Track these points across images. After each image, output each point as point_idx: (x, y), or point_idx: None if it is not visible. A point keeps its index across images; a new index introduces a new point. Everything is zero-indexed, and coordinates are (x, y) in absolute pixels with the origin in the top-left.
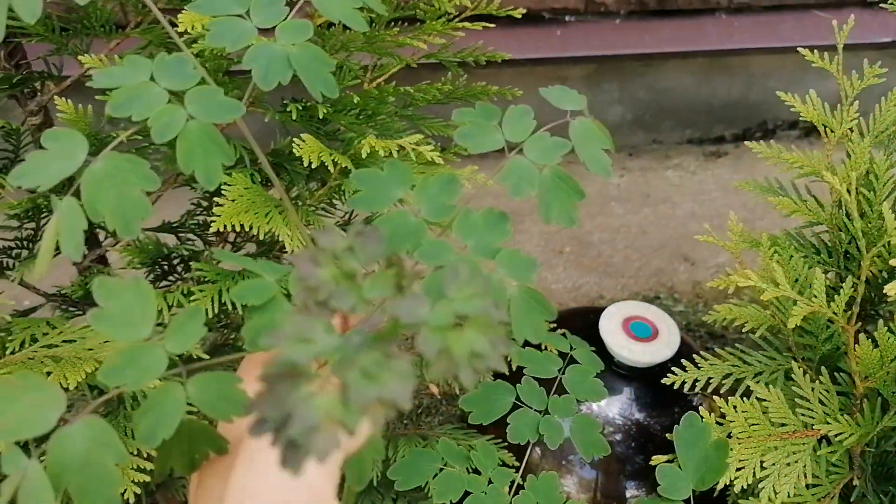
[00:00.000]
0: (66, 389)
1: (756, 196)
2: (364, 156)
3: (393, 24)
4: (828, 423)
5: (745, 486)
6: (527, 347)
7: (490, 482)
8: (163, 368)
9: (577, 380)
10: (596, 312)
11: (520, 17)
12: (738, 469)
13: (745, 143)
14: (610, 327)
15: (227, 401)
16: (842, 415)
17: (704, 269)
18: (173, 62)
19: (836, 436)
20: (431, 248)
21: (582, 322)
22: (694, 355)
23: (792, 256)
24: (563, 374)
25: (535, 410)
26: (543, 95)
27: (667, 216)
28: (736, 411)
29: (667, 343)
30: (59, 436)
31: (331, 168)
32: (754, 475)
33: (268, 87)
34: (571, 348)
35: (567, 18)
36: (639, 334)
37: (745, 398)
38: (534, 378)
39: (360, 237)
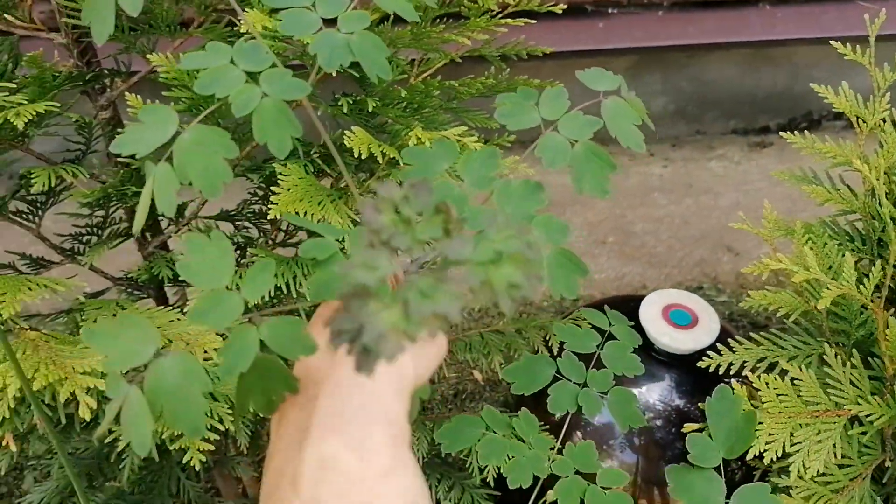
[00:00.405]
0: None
1: (794, 185)
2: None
3: (438, 20)
4: (858, 404)
5: (774, 459)
6: (567, 323)
7: (531, 448)
8: (239, 312)
9: (616, 355)
10: (637, 300)
11: (560, 12)
12: (769, 442)
13: (783, 134)
14: (650, 315)
15: (296, 342)
16: (873, 397)
17: (748, 259)
18: (250, 48)
19: (866, 416)
20: (473, 214)
21: (623, 309)
22: (729, 339)
23: (826, 244)
24: (602, 349)
25: (574, 383)
26: (579, 78)
27: (710, 207)
28: (768, 388)
29: (707, 330)
30: (155, 366)
31: (379, 159)
32: (784, 450)
33: (331, 68)
34: (610, 325)
35: (610, 10)
36: (679, 322)
37: (778, 377)
38: (573, 353)
39: (413, 189)
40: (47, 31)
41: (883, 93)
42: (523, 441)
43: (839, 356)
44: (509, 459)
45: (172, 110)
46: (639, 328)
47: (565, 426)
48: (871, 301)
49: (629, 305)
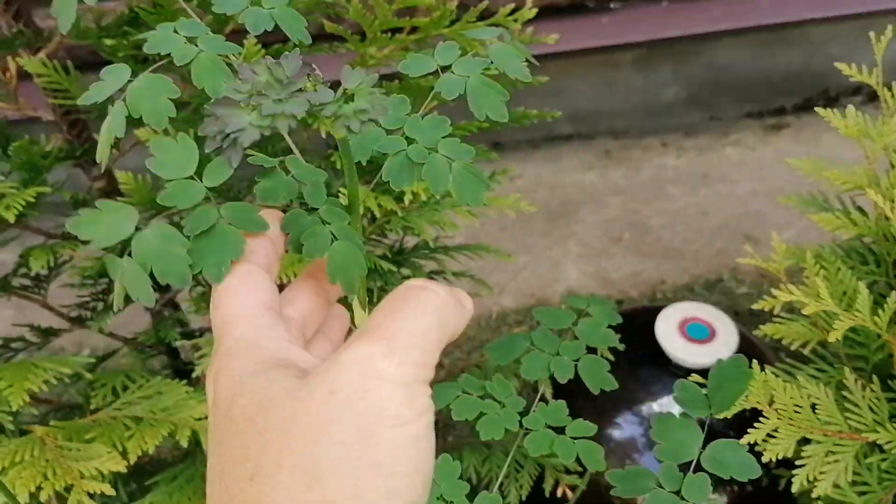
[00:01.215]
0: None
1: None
2: (407, 201)
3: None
4: (877, 431)
5: (774, 460)
6: (545, 308)
7: (503, 406)
8: (202, 195)
9: (589, 330)
10: (654, 312)
11: (563, 5)
12: (771, 436)
13: (814, 110)
14: (666, 330)
15: (250, 221)
16: (891, 421)
17: (768, 247)
18: (190, 23)
19: (886, 444)
20: (387, 142)
21: (639, 322)
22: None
23: (839, 269)
24: (576, 325)
25: (548, 353)
26: (469, 36)
27: (726, 195)
28: (784, 393)
29: (724, 343)
30: (138, 237)
31: (376, 212)
32: (787, 455)
33: (257, 31)
34: (588, 305)
35: (612, 6)
36: (696, 336)
37: (796, 389)
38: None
39: (285, 59)
40: (34, 110)
41: None
42: (497, 401)
43: (858, 381)
44: (482, 416)
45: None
46: (655, 343)
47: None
48: (887, 331)
49: (646, 318)
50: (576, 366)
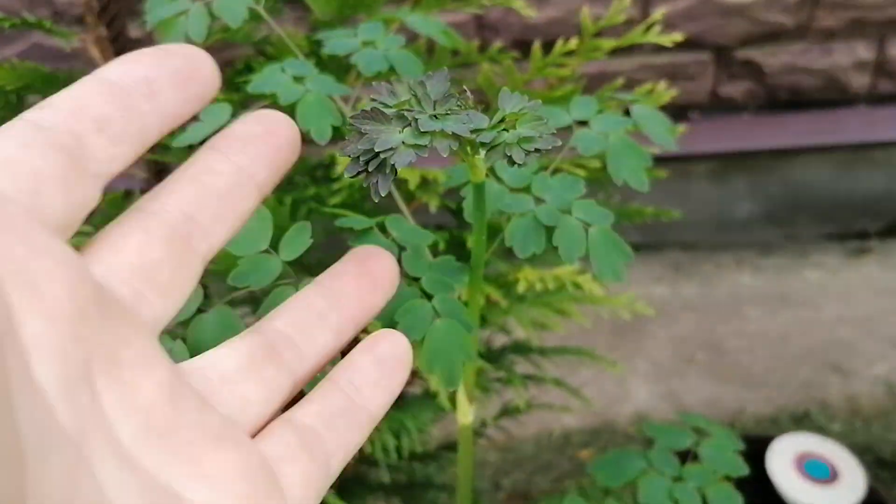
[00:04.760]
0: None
1: None
2: (522, 289)
3: None
4: None
5: None
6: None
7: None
8: (278, 272)
9: (714, 454)
10: (757, 442)
11: None
12: None
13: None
14: (781, 466)
15: None
16: None
17: (859, 380)
18: (297, 62)
19: None
20: (513, 202)
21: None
22: None
23: None
24: (698, 446)
25: (668, 477)
26: (615, 97)
27: (810, 320)
28: None
29: (850, 486)
30: (197, 321)
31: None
32: None
33: (369, 73)
34: (707, 425)
35: (690, 114)
36: (816, 475)
37: None
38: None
39: (429, 78)
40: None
41: None
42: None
43: None
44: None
45: (228, 105)
46: (763, 478)
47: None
48: None
49: (750, 449)
50: (703, 495)
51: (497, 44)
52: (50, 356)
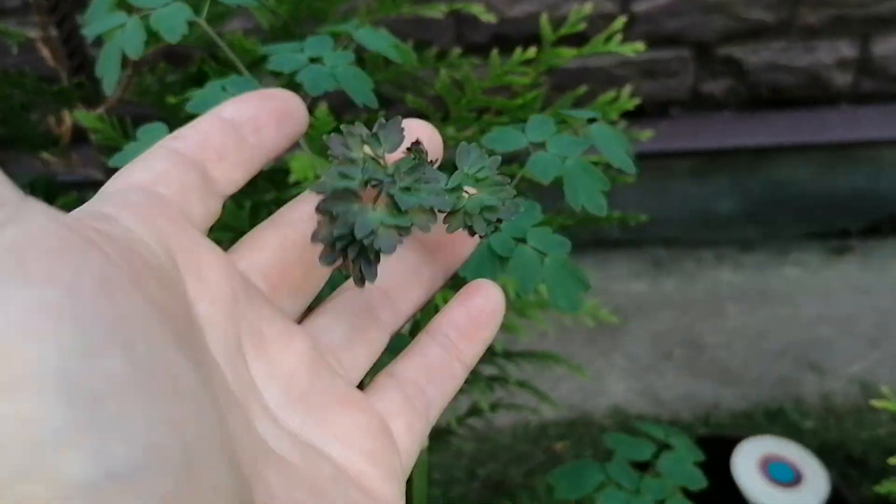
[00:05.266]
0: None
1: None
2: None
3: None
4: None
5: None
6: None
7: None
8: None
9: (674, 466)
10: (725, 443)
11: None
12: None
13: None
14: (746, 468)
15: None
16: None
17: (835, 378)
18: (241, 79)
19: None
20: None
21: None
22: None
23: None
24: (657, 458)
25: (627, 490)
26: (564, 115)
27: (788, 318)
28: None
29: (813, 489)
30: None
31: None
32: None
33: (316, 93)
34: (666, 436)
35: (670, 112)
36: (779, 478)
37: None
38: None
39: (383, 129)
40: (83, 167)
41: None
42: None
43: None
44: None
45: (166, 127)
46: (729, 479)
47: None
48: None
49: (716, 450)
50: None
51: (472, 41)
52: (216, 333)
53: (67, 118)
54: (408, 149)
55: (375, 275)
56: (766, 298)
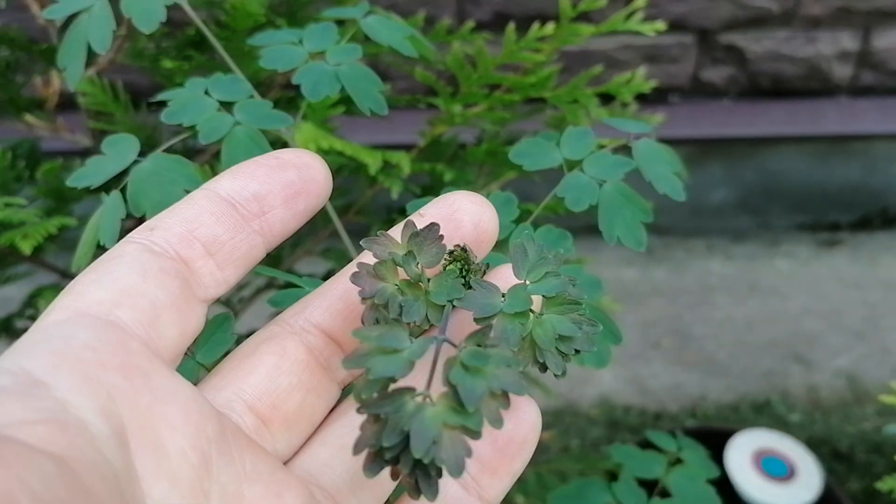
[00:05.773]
0: None
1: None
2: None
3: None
4: None
5: None
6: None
7: None
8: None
9: (685, 483)
10: (718, 436)
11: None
12: None
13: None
14: (739, 462)
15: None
16: None
17: (821, 371)
18: (227, 79)
19: None
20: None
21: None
22: None
23: None
24: (667, 475)
25: None
26: (607, 124)
27: (777, 310)
28: None
29: (806, 485)
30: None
31: None
32: None
33: (316, 98)
34: (679, 449)
35: (670, 98)
36: (773, 472)
37: None
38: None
39: (417, 239)
40: (71, 133)
41: None
42: None
43: None
44: None
45: (135, 139)
46: (722, 472)
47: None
48: None
49: (709, 442)
50: None
51: (474, 19)
52: None
53: (55, 80)
54: (450, 253)
55: (437, 492)
56: (755, 290)
